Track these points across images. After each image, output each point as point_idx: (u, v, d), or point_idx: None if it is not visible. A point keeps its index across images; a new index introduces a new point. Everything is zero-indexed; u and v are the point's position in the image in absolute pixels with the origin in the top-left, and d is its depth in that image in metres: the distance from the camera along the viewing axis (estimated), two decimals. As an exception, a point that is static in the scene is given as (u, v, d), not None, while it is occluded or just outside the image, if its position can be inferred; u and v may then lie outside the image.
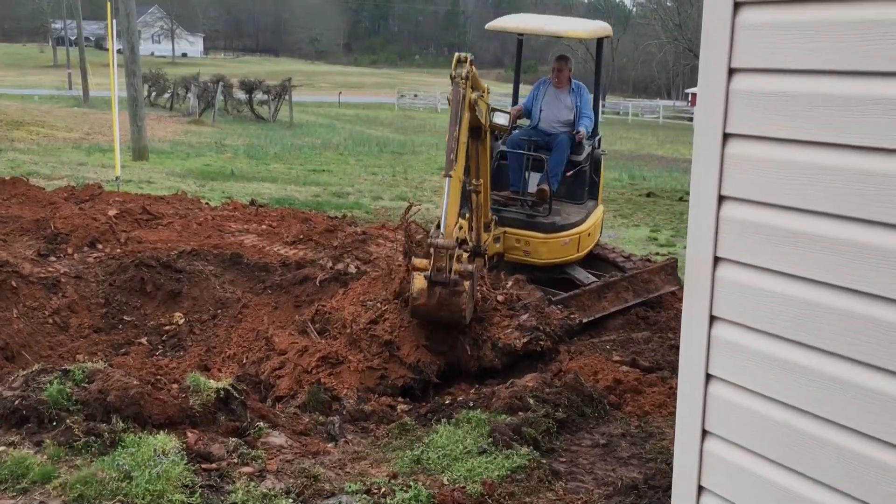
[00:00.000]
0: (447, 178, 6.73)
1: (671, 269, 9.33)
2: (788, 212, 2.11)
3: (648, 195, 19.80)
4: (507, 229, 9.02)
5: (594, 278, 9.31)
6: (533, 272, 9.07)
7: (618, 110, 63.63)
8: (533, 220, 9.04)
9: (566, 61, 9.87)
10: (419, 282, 6.78)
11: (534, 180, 9.42)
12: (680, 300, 9.19)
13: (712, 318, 2.32)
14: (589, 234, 9.31)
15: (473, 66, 7.03)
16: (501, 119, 8.21)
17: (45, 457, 4.42)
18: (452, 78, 6.85)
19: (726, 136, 2.23)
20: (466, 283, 6.80)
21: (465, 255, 7.11)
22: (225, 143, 26.12)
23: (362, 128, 37.77)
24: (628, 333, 8.36)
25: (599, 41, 10.06)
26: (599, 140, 9.89)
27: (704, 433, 2.37)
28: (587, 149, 9.47)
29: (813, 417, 2.08)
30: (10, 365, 7.56)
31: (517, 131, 9.69)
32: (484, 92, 7.55)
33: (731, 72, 2.20)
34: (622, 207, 17.88)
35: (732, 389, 2.28)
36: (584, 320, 8.12)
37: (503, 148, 9.55)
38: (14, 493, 4.11)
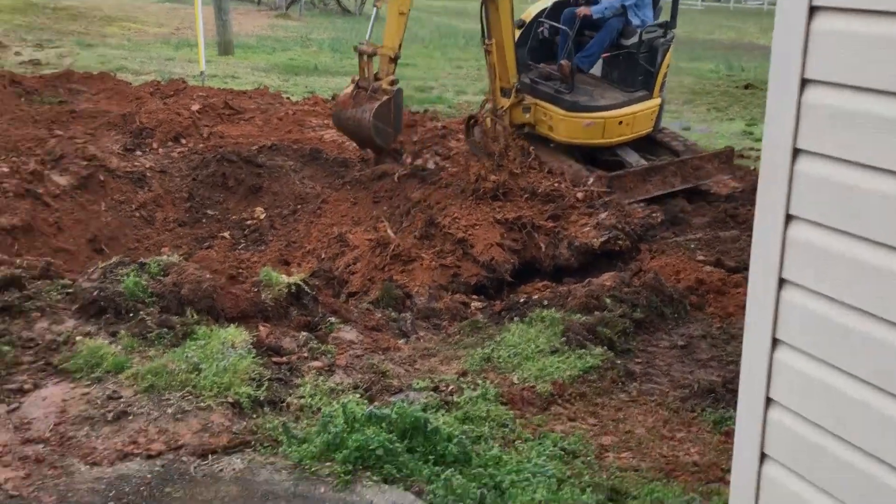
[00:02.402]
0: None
1: (726, 158, 9.01)
2: (882, 96, 1.84)
3: (747, 87, 18.80)
4: (538, 102, 8.92)
5: (645, 162, 9.05)
6: (578, 150, 9.03)
7: (719, -2, 60.44)
8: (559, 95, 8.85)
9: None
10: (349, 87, 7.87)
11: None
12: (751, 200, 8.86)
13: (788, 217, 2.08)
14: (620, 123, 8.90)
15: None
16: None
17: (120, 347, 4.52)
18: None
19: (813, 10, 1.95)
20: (388, 94, 7.89)
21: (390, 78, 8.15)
22: (310, 38, 25.93)
23: (449, 20, 36.95)
24: (715, 232, 8.02)
25: None
26: (667, 28, 9.30)
27: (775, 341, 2.17)
28: (642, 37, 8.97)
29: (893, 325, 1.86)
30: (98, 256, 7.77)
31: (581, 7, 9.22)
32: None
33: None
34: (717, 100, 17.06)
35: (808, 295, 2.07)
36: (627, 202, 8.03)
37: (544, 20, 9.37)
38: (88, 382, 4.22)
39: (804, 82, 2.02)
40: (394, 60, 8.27)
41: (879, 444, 1.95)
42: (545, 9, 9.41)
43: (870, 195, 1.89)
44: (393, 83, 8.22)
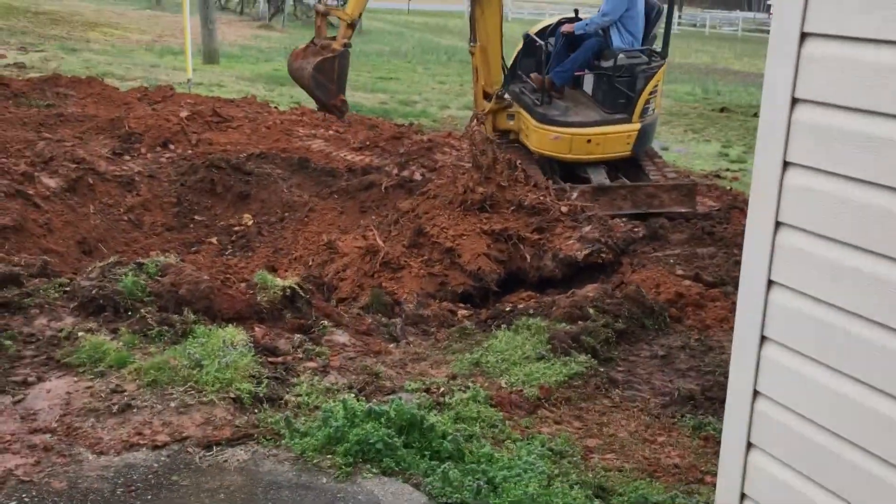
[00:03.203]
0: None
1: (686, 191, 9.19)
2: (866, 116, 2.04)
3: (722, 110, 19.23)
4: (520, 110, 9.49)
5: (608, 182, 9.35)
6: (552, 164, 9.48)
7: (695, 22, 61.37)
8: (534, 106, 9.33)
9: None
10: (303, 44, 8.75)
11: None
12: (727, 218, 9.12)
13: (778, 224, 2.29)
14: (589, 141, 9.21)
15: None
16: None
17: (121, 343, 4.63)
18: None
19: (804, 35, 2.15)
20: (335, 51, 8.81)
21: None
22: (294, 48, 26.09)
23: (431, 36, 37.26)
24: (693, 248, 8.26)
25: None
26: (652, 56, 9.55)
27: (763, 339, 2.37)
28: (620, 60, 9.24)
29: (876, 324, 2.06)
30: (87, 258, 7.86)
31: (581, 22, 9.50)
32: None
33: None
34: (694, 122, 17.45)
35: (794, 296, 2.26)
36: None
37: (530, 32, 9.90)
38: (91, 376, 4.34)
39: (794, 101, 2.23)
40: (351, 26, 9.17)
41: (862, 434, 2.14)
42: (550, 24, 9.75)
43: (852, 205, 2.09)
44: (345, 45, 9.13)
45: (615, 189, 9.15)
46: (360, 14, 9.21)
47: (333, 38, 9.17)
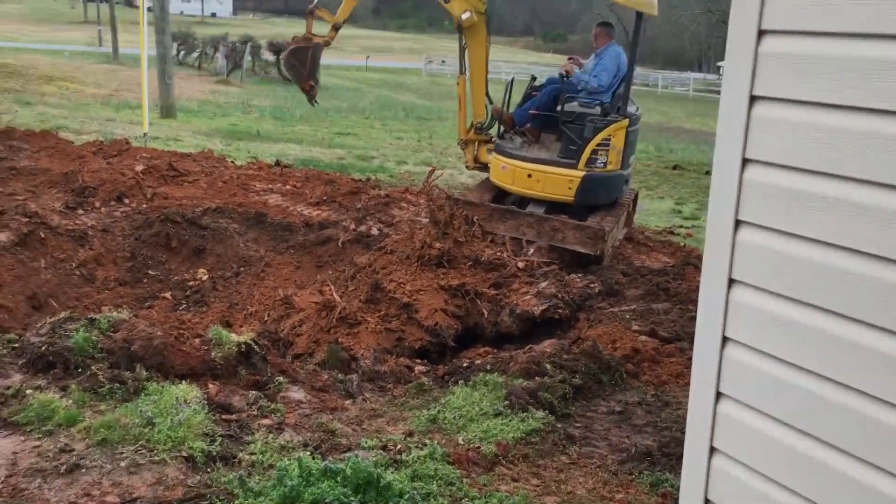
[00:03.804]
0: None
1: (591, 234, 9.38)
2: (812, 175, 2.11)
3: (675, 168, 19.65)
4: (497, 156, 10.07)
5: (538, 214, 9.71)
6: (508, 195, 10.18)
7: (647, 82, 62.90)
8: (499, 139, 10.22)
9: (602, 27, 10.01)
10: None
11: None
12: (699, 272, 9.24)
13: (731, 281, 2.33)
14: (529, 176, 9.63)
15: None
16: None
17: (71, 401, 4.52)
18: None
19: (753, 99, 2.23)
20: (304, 43, 10.20)
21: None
22: (251, 104, 26.16)
23: (389, 92, 37.66)
24: (648, 304, 8.35)
25: (638, 14, 9.91)
26: (607, 110, 9.79)
27: (718, 395, 2.39)
28: (569, 107, 9.60)
29: (827, 380, 2.10)
30: (37, 314, 7.70)
31: (580, 75, 9.94)
32: None
33: (761, 34, 2.19)
34: (648, 179, 17.77)
35: (748, 352, 2.30)
36: (476, 226, 9.19)
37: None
38: (40, 435, 4.22)
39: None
40: (335, 28, 10.42)
41: (819, 490, 2.17)
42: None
43: (808, 264, 2.14)
44: (325, 42, 10.47)
45: (524, 215, 9.58)
46: (344, 20, 10.42)
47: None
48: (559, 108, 9.53)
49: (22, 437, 4.20)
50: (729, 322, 2.35)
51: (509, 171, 9.71)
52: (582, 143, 9.44)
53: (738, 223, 2.32)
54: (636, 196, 11.51)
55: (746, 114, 2.26)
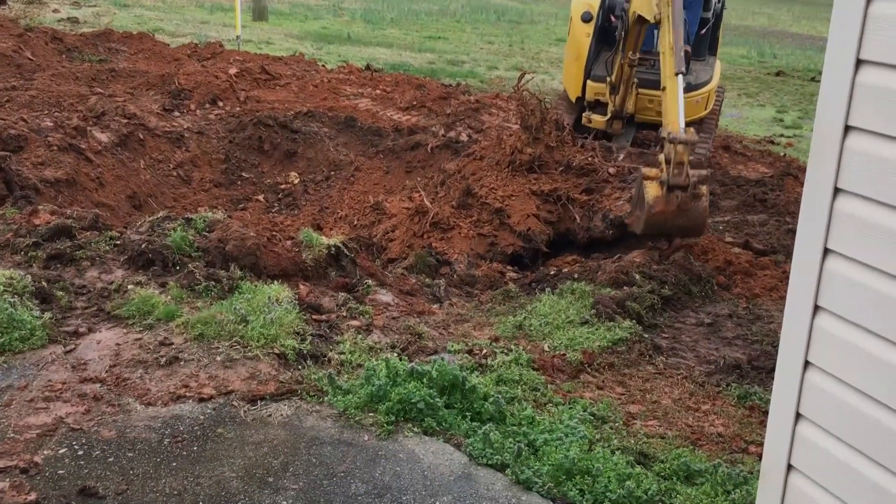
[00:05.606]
0: (678, 76, 6.40)
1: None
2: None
3: (778, 74, 18.76)
4: (641, 90, 8.69)
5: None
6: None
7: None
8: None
9: None
10: (654, 188, 6.21)
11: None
12: (799, 183, 8.90)
13: (836, 191, 2.21)
14: (716, 88, 9.29)
15: None
16: None
17: (169, 297, 4.69)
18: None
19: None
20: (704, 188, 6.25)
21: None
22: (342, 7, 25.98)
23: (481, -5, 36.79)
24: (743, 215, 8.13)
25: None
26: None
27: (816, 308, 2.31)
28: (715, 4, 9.11)
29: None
30: (137, 212, 7.97)
31: None
32: None
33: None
34: (748, 86, 17.04)
35: (850, 265, 2.20)
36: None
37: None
38: (140, 329, 4.41)
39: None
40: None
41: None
42: None
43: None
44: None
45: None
46: None
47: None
48: (707, 14, 9.38)
49: (124, 330, 4.40)
50: (832, 233, 2.24)
51: (703, 100, 9.01)
52: (718, 34, 9.72)
53: (847, 129, 2.18)
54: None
55: (863, 12, 2.10)
